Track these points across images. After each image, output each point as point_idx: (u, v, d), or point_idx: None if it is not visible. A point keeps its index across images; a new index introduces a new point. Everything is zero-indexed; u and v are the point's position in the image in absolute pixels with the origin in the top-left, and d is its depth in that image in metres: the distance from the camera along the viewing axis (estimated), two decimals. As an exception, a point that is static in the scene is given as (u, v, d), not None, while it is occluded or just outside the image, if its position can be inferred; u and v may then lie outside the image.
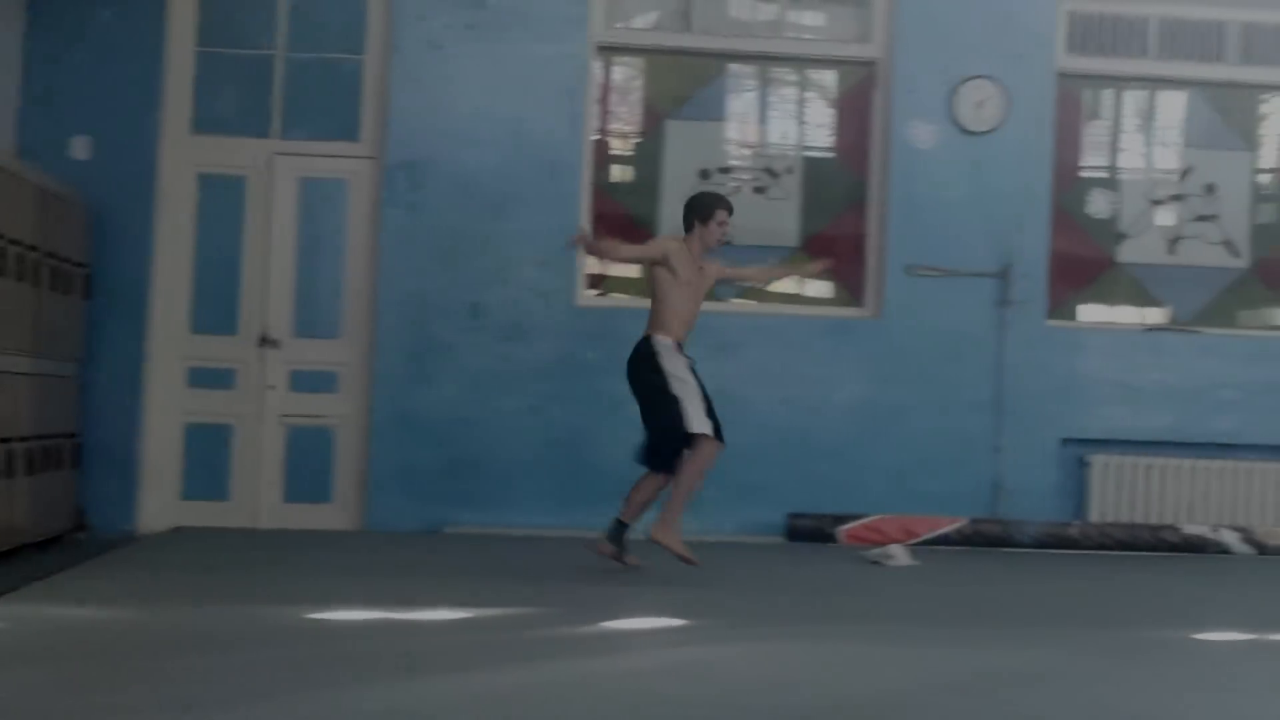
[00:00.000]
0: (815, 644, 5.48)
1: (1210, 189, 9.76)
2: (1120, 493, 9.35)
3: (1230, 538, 9.02)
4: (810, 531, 8.96)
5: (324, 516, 9.07)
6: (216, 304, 9.14)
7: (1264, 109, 9.90)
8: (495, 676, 4.67)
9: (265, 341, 9.10)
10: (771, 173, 9.60)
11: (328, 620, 5.77)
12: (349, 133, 9.23)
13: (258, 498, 9.09)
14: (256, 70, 9.21)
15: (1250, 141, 9.86)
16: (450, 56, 9.10)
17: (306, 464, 9.13)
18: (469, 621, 5.83)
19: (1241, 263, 9.77)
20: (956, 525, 8.93)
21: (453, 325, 9.04)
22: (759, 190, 9.57)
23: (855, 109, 9.63)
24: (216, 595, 6.30)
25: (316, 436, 9.15)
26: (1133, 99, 9.89)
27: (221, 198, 9.17)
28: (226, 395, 9.13)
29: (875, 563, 7.97)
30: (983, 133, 9.38)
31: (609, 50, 9.49)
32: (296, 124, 9.22)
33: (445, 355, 9.02)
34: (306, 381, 9.16)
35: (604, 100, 9.51)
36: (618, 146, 9.60)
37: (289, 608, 5.95)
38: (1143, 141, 9.90)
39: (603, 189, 9.43)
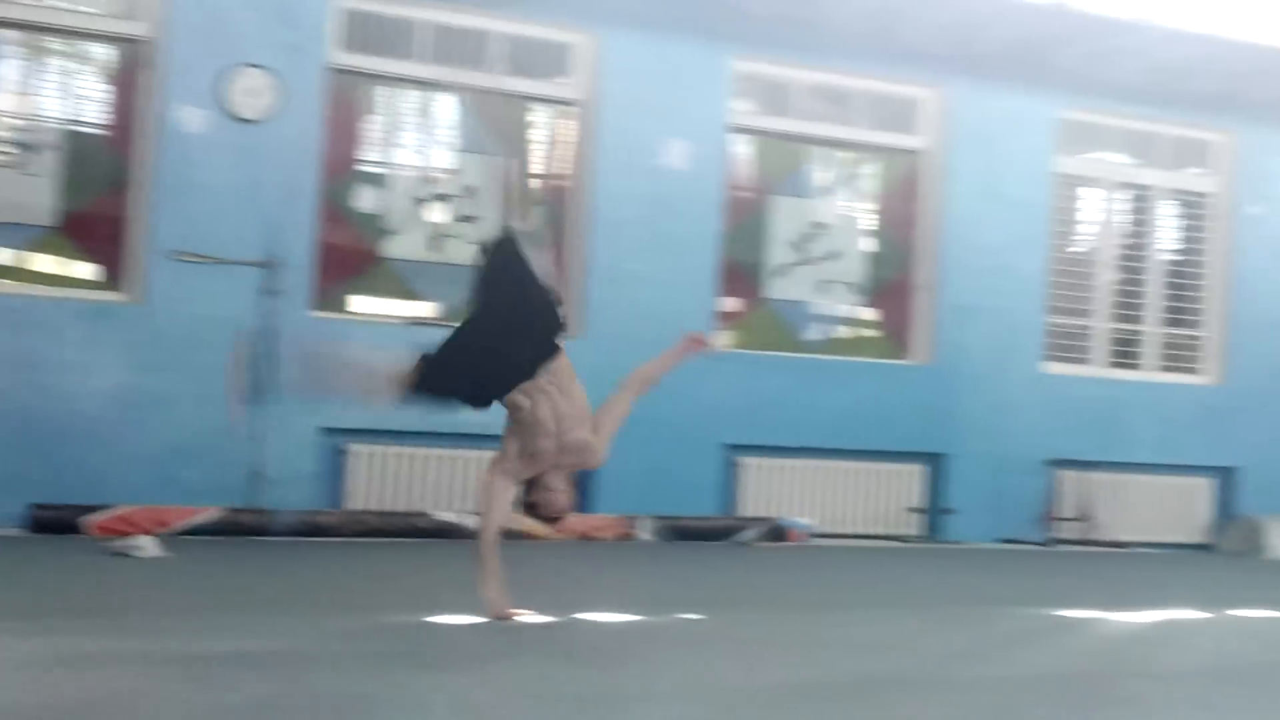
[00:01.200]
0: (48, 640, 5.23)
1: (471, 191, 10.23)
2: (379, 481, 9.62)
3: (476, 523, 9.47)
4: (54, 523, 8.55)
5: None
6: None
7: (524, 117, 10.50)
8: None
9: None
10: (28, 147, 9.09)
11: None
12: None
13: None
14: None
15: (511, 148, 10.39)
16: None
17: None
18: None
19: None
20: (210, 515, 8.83)
21: None
22: (9, 165, 9.03)
23: (126, 88, 9.31)
24: None
25: None
26: (405, 99, 10.20)
27: None
28: None
29: (121, 554, 7.73)
30: (254, 121, 9.35)
31: None
32: None
33: None
34: None
35: None
36: None
37: None
38: (414, 141, 10.23)
39: None
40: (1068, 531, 11.51)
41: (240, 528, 8.87)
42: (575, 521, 9.71)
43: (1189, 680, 5.53)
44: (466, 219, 10.20)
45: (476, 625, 5.99)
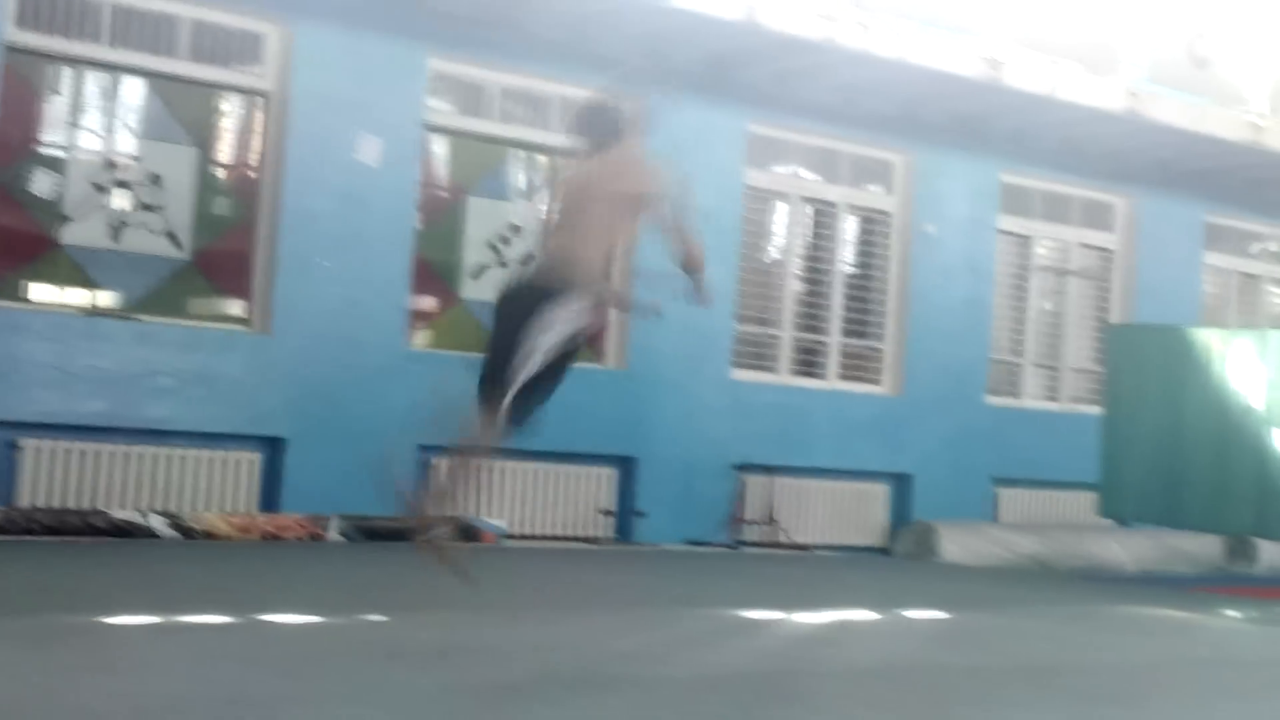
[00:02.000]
0: None
1: (156, 179, 9.87)
2: (54, 478, 9.20)
3: (158, 522, 9.18)
4: None
5: None
6: None
7: (214, 106, 10.19)
8: None
9: None
10: None
11: None
12: None
13: None
14: None
15: (198, 137, 10.10)
16: None
17: None
18: None
19: (183, 254, 9.98)
20: None
21: None
22: None
23: None
24: None
25: None
26: (89, 82, 9.77)
27: None
28: None
29: None
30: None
31: None
32: None
33: None
34: None
35: None
36: None
37: None
38: (96, 126, 9.81)
39: None
40: (753, 534, 11.82)
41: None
42: (261, 521, 9.49)
43: (860, 679, 5.73)
44: (149, 207, 9.84)
45: (150, 626, 5.78)
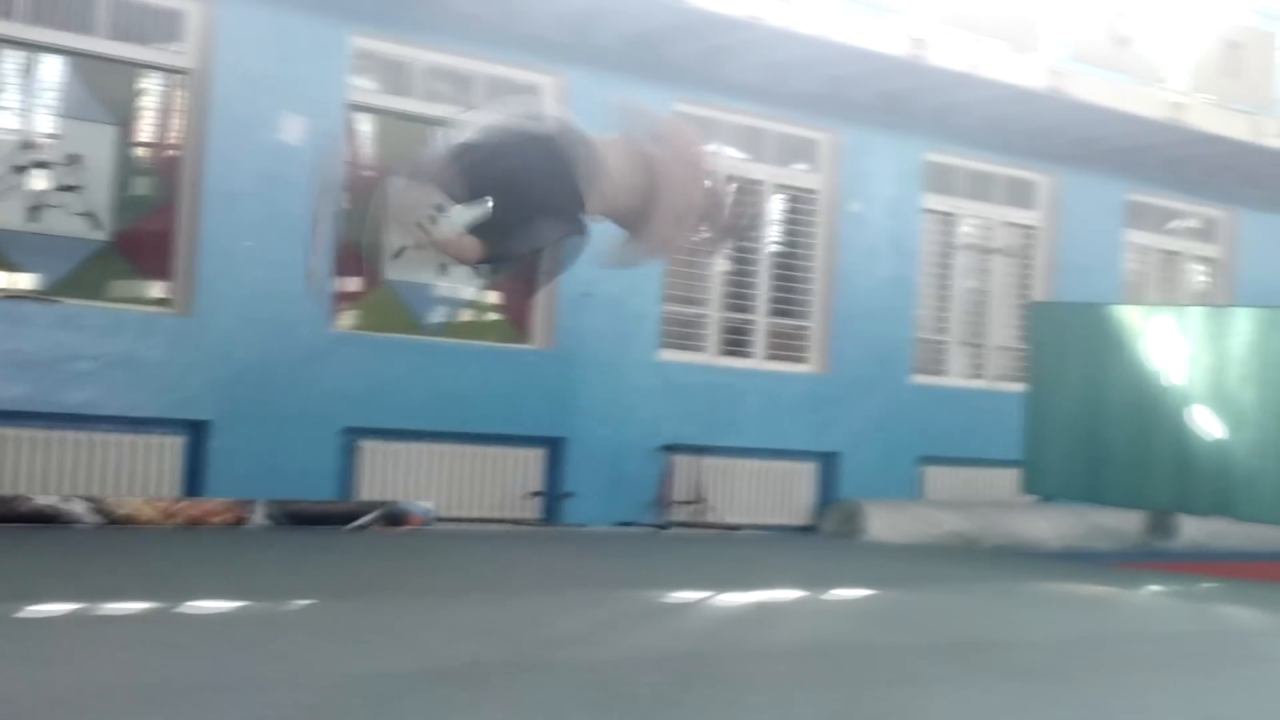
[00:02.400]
0: None
1: (76, 159, 9.73)
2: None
3: (81, 508, 9.07)
4: None
5: None
6: None
7: (134, 85, 10.04)
8: None
9: None
10: None
11: None
12: None
13: None
14: None
15: (119, 116, 9.95)
16: None
17: None
18: None
19: (103, 235, 9.85)
20: None
21: None
22: None
23: None
24: None
25: None
26: (5, 61, 9.60)
27: None
28: None
29: None
30: None
31: None
32: None
33: None
34: None
35: None
36: None
37: None
38: (13, 106, 9.64)
39: None
40: (681, 515, 11.85)
41: None
42: (185, 506, 9.39)
43: (786, 657, 5.76)
44: (68, 188, 9.69)
45: (71, 614, 5.71)
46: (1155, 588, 9.85)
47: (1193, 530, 12.52)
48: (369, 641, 5.52)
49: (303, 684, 4.63)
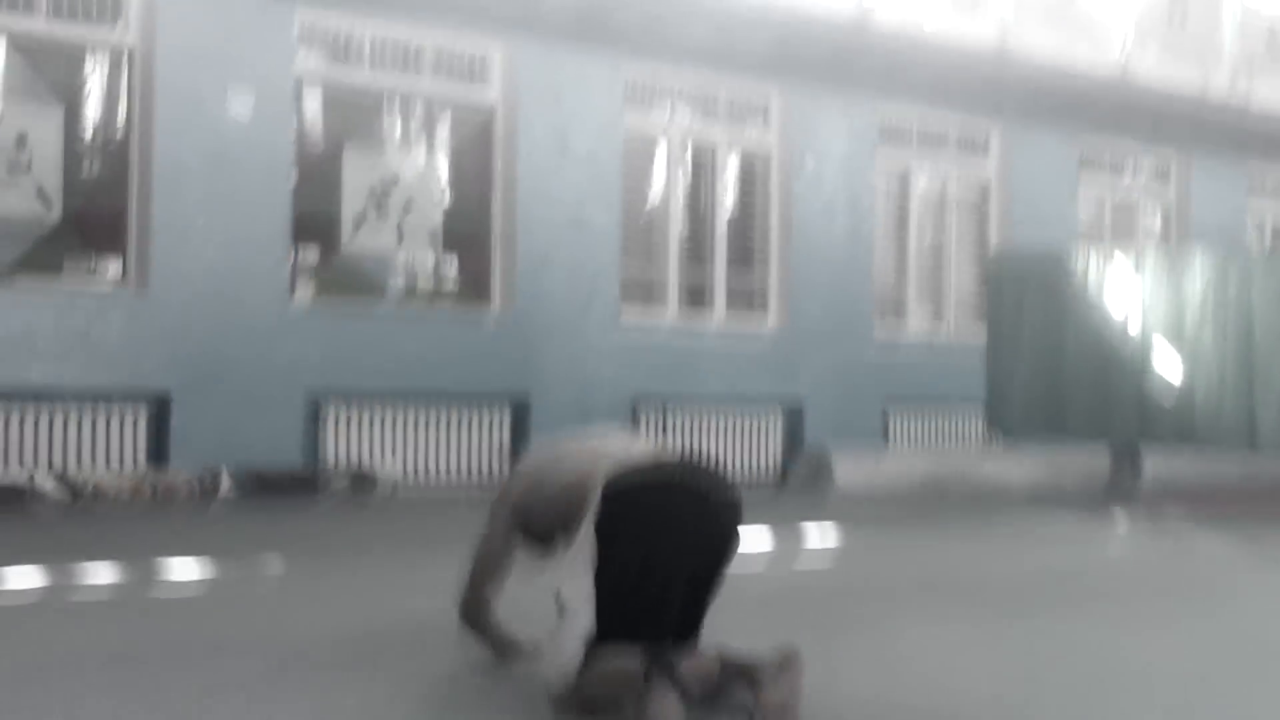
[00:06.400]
0: None
1: (23, 140, 9.71)
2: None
3: (48, 484, 9.06)
4: None
5: None
6: None
7: (78, 64, 10.00)
8: None
9: None
10: None
11: None
12: None
13: None
14: None
15: (64, 96, 9.93)
16: None
17: None
18: None
19: (54, 215, 9.83)
20: None
21: None
22: None
23: None
24: None
25: None
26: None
27: None
28: None
29: None
30: None
31: None
32: None
33: None
34: None
35: None
36: None
37: None
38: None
39: None
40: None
41: None
42: (151, 477, 9.39)
43: (759, 602, 5.79)
44: (17, 168, 9.67)
45: (39, 586, 5.74)
46: (1121, 523, 9.94)
47: (1155, 466, 12.62)
48: (330, 604, 5.57)
49: (266, 649, 4.66)
